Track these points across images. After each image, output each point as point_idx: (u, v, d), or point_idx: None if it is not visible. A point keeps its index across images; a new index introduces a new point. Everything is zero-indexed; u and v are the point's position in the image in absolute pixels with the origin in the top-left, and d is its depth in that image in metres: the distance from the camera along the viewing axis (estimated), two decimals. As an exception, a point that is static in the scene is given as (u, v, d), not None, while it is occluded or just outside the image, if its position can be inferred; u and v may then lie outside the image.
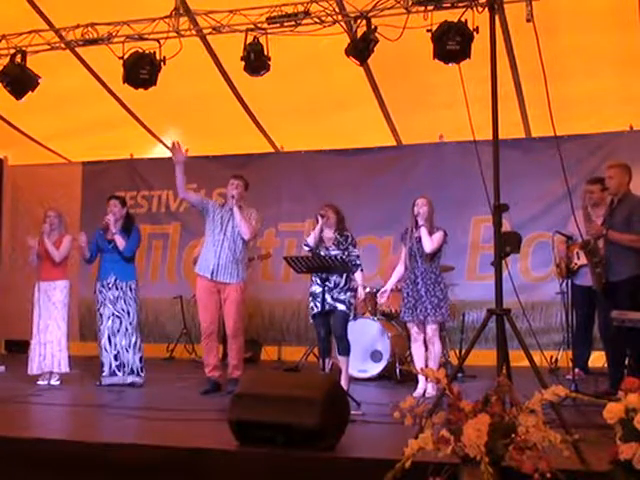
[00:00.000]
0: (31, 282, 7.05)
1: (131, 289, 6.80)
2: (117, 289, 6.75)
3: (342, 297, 5.93)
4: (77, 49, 7.10)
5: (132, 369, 6.68)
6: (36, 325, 6.80)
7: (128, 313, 6.73)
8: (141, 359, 6.75)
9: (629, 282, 5.42)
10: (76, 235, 7.10)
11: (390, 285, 6.40)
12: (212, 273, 6.23)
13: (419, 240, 6.12)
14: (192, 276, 6.55)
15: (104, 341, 6.70)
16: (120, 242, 6.79)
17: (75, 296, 8.07)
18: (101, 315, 6.76)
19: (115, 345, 6.68)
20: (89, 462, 3.89)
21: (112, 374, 6.65)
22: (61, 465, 3.94)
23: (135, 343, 6.73)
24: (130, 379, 6.64)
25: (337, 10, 6.15)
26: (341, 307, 5.90)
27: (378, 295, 6.63)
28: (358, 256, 6.09)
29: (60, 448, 4.04)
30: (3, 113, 8.61)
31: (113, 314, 6.72)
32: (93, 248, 6.92)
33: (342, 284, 5.95)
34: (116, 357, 6.67)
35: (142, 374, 6.73)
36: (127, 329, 6.71)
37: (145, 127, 9.07)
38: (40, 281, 6.88)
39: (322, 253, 5.97)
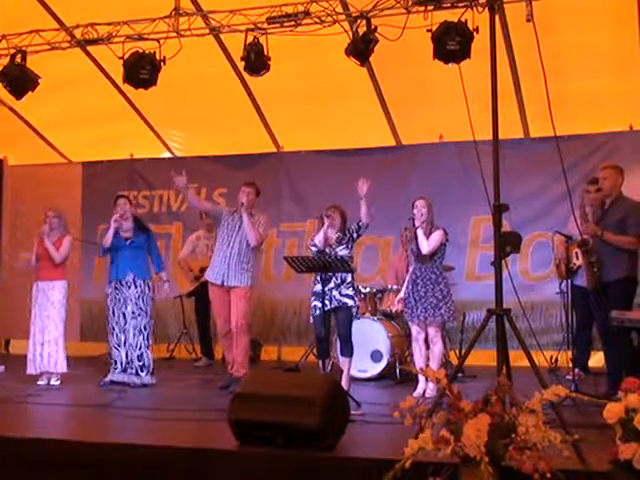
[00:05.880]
0: (31, 282, 7.03)
1: (149, 287, 6.76)
2: (136, 287, 6.70)
3: (351, 292, 5.94)
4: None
5: (148, 370, 6.65)
6: (34, 325, 6.79)
7: (142, 310, 6.67)
8: (151, 358, 6.72)
9: (620, 283, 5.45)
10: (77, 235, 7.05)
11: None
12: (223, 281, 6.38)
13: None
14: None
15: (131, 339, 6.61)
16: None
17: (76, 297, 8.04)
18: (123, 314, 6.65)
19: (138, 343, 6.62)
20: (89, 462, 3.89)
21: (137, 372, 6.60)
22: (61, 465, 3.94)
23: (149, 342, 6.70)
24: (150, 380, 6.62)
25: (337, 10, 6.15)
26: (350, 302, 5.90)
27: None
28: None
29: (60, 448, 4.04)
30: (3, 97, 8.55)
31: (134, 312, 6.66)
32: (113, 241, 6.78)
33: (348, 279, 5.95)
34: (139, 357, 6.60)
35: (154, 374, 6.71)
36: (141, 328, 6.66)
37: (146, 122, 9.04)
38: (39, 281, 6.85)
39: (327, 251, 5.95)
